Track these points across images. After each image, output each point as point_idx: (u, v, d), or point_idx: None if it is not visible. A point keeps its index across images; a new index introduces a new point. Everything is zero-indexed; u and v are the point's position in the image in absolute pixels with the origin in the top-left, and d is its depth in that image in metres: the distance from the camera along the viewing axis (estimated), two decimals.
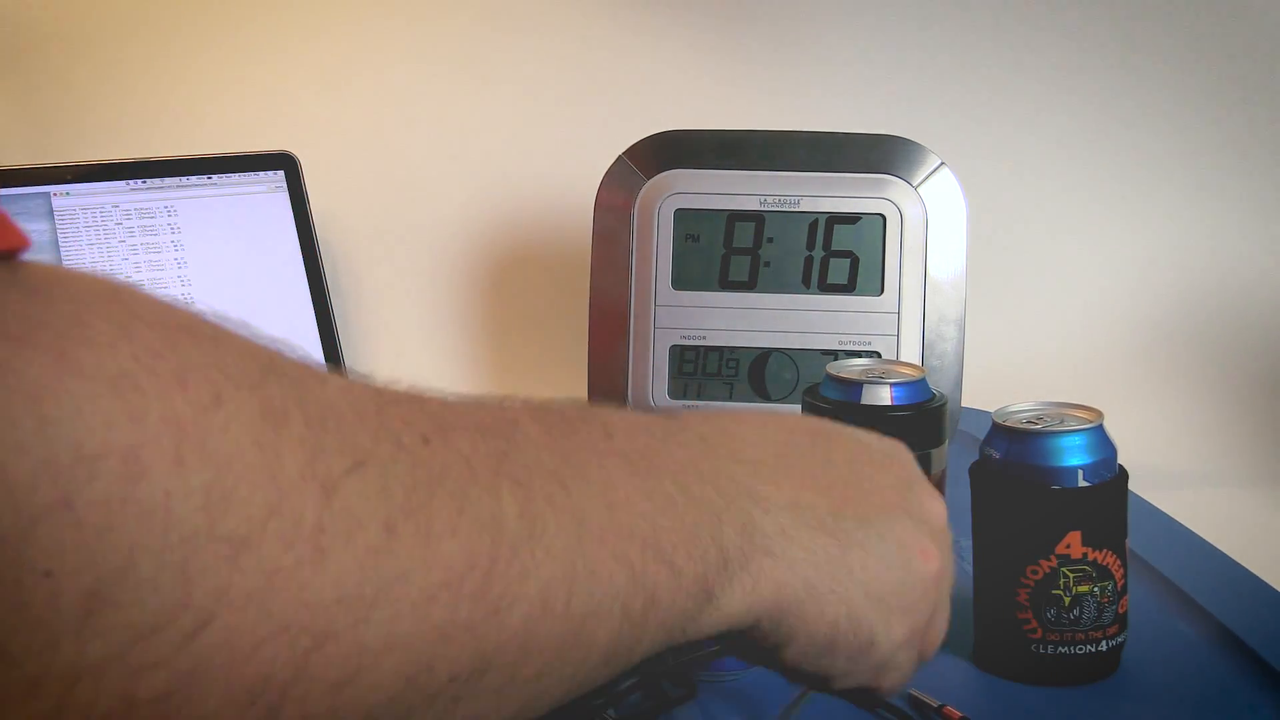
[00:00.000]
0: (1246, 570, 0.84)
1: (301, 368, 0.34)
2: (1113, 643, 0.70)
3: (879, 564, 0.48)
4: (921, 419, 0.75)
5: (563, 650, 0.38)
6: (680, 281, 1.02)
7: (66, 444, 0.27)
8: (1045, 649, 0.70)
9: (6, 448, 0.27)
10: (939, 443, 0.76)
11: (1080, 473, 0.69)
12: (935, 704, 0.68)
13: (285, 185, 1.10)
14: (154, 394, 0.29)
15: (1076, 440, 0.69)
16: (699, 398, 1.02)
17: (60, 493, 0.27)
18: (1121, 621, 0.71)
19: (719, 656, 0.69)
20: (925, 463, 0.75)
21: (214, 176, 1.07)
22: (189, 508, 0.29)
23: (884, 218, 1.00)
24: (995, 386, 1.03)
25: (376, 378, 0.37)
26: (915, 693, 0.68)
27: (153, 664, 0.28)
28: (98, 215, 1.03)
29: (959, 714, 0.67)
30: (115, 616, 0.28)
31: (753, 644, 0.47)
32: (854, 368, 0.78)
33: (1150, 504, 0.94)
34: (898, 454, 0.53)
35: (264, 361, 0.33)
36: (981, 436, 0.72)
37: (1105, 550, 0.69)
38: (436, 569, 0.33)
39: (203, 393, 0.30)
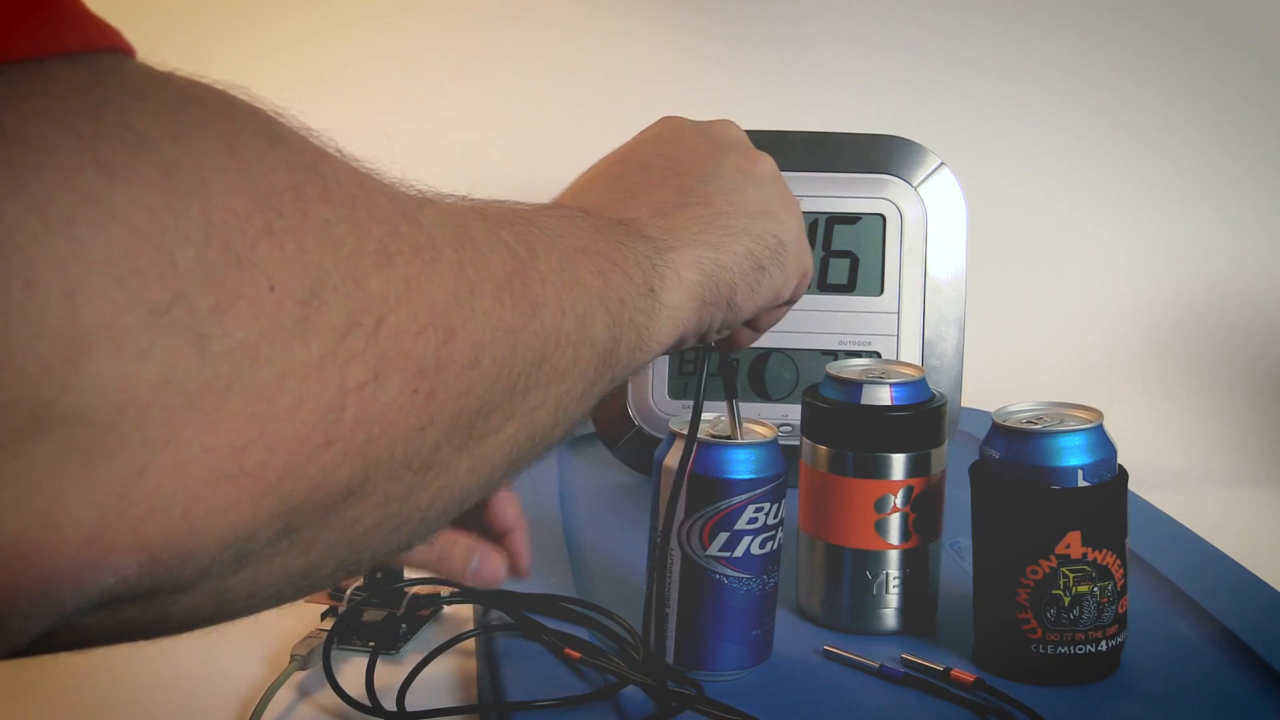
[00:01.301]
0: (1246, 570, 0.84)
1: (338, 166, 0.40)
2: (1113, 643, 0.70)
3: (736, 192, 0.62)
4: (921, 419, 0.75)
5: (578, 347, 0.48)
6: None
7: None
8: (1045, 649, 0.70)
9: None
10: (939, 443, 0.76)
11: (1080, 473, 0.69)
12: (941, 668, 0.69)
13: None
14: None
15: (1076, 440, 0.69)
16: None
17: (264, 221, 0.33)
18: (1121, 621, 0.71)
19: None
20: (925, 463, 0.75)
21: None
22: (342, 230, 0.36)
23: (884, 218, 1.00)
24: (995, 386, 1.03)
25: None
26: (915, 658, 0.69)
27: (353, 355, 0.35)
28: None
29: (971, 676, 0.69)
30: (324, 318, 0.34)
31: (713, 327, 0.61)
32: (854, 368, 0.78)
33: (1150, 504, 0.94)
34: (672, 123, 0.67)
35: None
36: (981, 436, 0.72)
37: (1105, 550, 0.69)
38: (492, 278, 0.43)
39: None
